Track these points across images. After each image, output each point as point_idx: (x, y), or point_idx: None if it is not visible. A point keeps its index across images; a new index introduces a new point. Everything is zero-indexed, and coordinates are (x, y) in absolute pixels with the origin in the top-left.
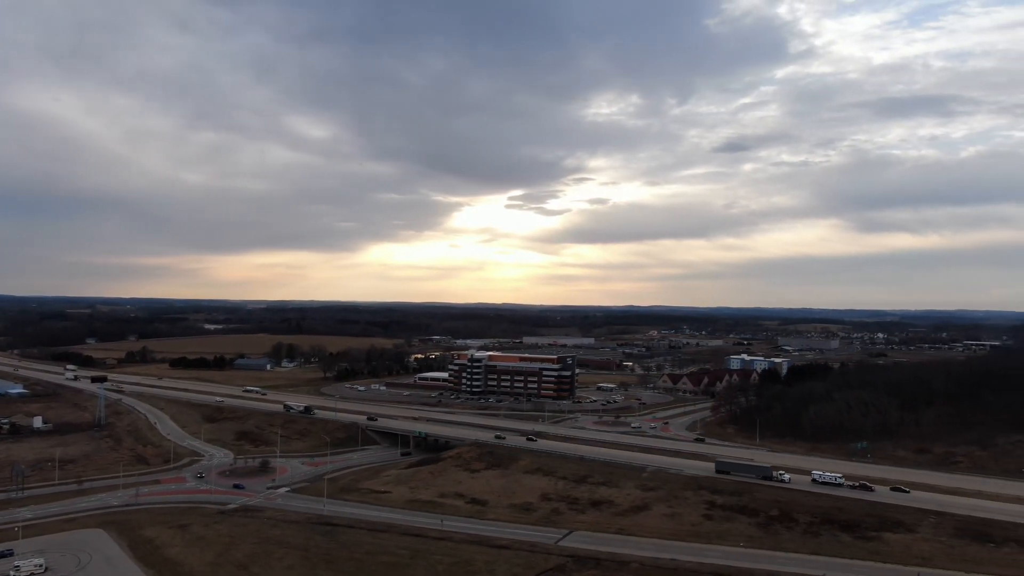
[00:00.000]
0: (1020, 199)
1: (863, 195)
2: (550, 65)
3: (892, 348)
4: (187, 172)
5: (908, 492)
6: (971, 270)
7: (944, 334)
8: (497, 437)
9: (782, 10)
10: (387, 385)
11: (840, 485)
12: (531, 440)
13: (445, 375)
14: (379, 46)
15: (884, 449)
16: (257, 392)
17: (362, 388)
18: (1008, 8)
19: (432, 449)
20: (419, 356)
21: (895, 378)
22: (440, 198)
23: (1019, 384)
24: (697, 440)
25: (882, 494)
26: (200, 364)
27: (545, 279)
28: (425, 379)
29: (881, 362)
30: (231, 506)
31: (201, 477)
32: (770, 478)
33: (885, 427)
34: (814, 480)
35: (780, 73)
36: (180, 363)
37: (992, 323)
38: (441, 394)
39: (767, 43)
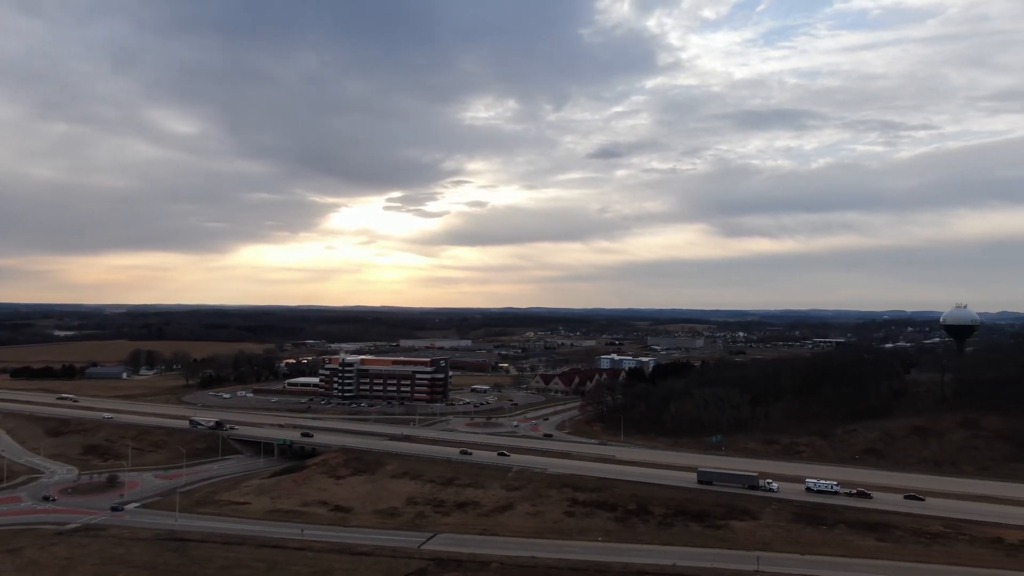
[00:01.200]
0: (863, 207)
1: (726, 202)
2: (427, 67)
3: (751, 346)
4: (35, 166)
5: (870, 496)
6: (822, 272)
7: (797, 332)
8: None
9: (651, 23)
10: (255, 392)
11: (836, 493)
12: (405, 439)
13: (316, 380)
14: (249, 40)
15: (738, 442)
16: (71, 400)
17: (227, 395)
18: (851, 33)
19: (298, 456)
20: (291, 361)
21: (748, 375)
22: (316, 198)
23: (854, 378)
24: (567, 440)
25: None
26: (46, 374)
27: (424, 281)
28: (295, 385)
29: (740, 359)
30: (71, 526)
31: (46, 498)
32: (756, 487)
33: (739, 421)
34: (808, 489)
35: (650, 84)
36: (23, 373)
37: (840, 321)
38: (311, 400)
39: (637, 55)
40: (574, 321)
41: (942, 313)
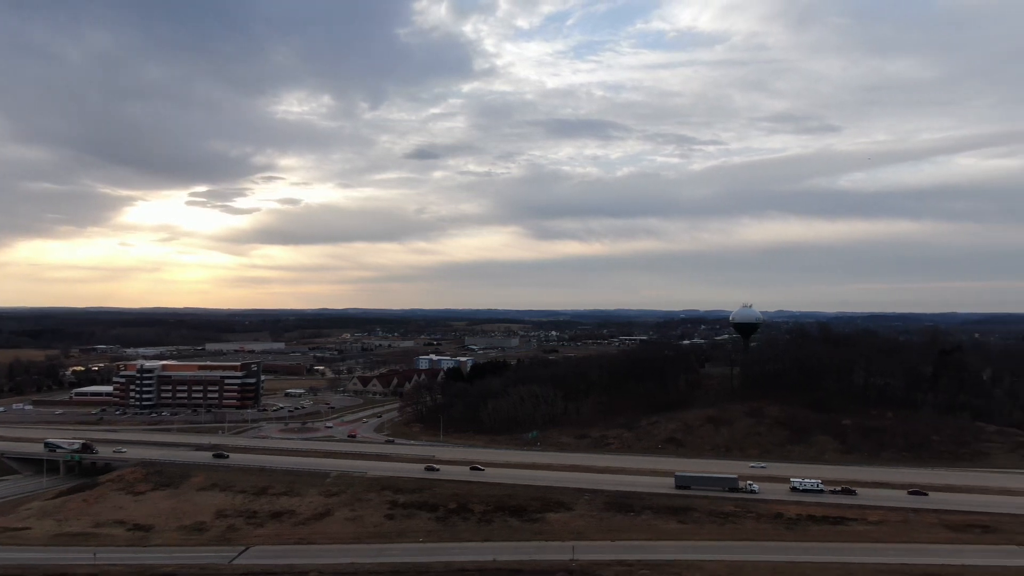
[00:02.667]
0: (662, 214)
1: (539, 206)
2: (235, 55)
3: (563, 344)
4: None
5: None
6: (627, 274)
7: (605, 331)
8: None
9: (467, 29)
10: (35, 403)
11: (821, 491)
12: (219, 457)
13: (110, 389)
14: (29, 11)
15: (552, 436)
16: None
17: (1, 408)
18: (650, 52)
19: (89, 473)
20: (78, 369)
21: (560, 372)
22: (108, 191)
23: (656, 373)
24: (388, 442)
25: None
26: None
27: (232, 281)
28: (84, 394)
29: (553, 357)
30: None
31: None
32: (737, 489)
33: (552, 417)
34: (794, 488)
35: (466, 88)
36: None
37: (643, 320)
38: (104, 410)
39: (454, 58)
40: (391, 322)
41: (731, 312)
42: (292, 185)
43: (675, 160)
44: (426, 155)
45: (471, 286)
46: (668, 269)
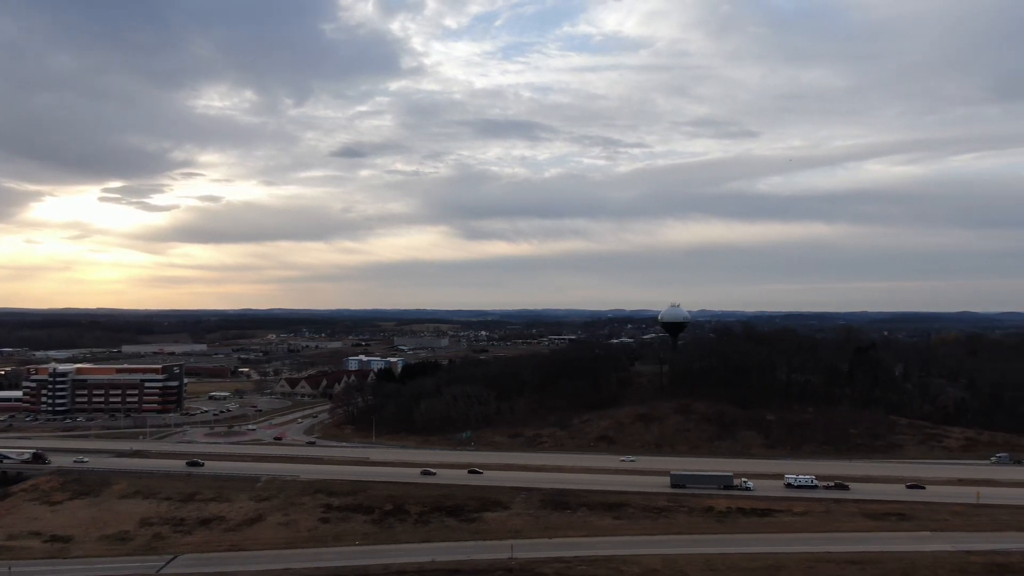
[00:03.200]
0: (588, 215)
1: (467, 206)
2: (154, 47)
3: (493, 344)
4: None
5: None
6: (554, 274)
7: (535, 330)
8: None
9: (395, 27)
10: None
11: (815, 487)
12: (135, 455)
13: (19, 394)
14: None
15: (485, 436)
16: None
17: None
18: (577, 55)
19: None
20: None
21: (493, 372)
22: (12, 185)
23: (588, 372)
24: (309, 444)
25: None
26: None
27: (150, 281)
28: None
29: (483, 357)
30: None
31: None
32: (732, 487)
33: (486, 416)
34: (788, 485)
35: (394, 86)
36: None
37: (571, 320)
38: (13, 416)
39: (381, 56)
40: (318, 322)
41: (658, 311)
42: (213, 182)
43: (602, 162)
44: (353, 153)
45: (399, 286)
46: (595, 269)
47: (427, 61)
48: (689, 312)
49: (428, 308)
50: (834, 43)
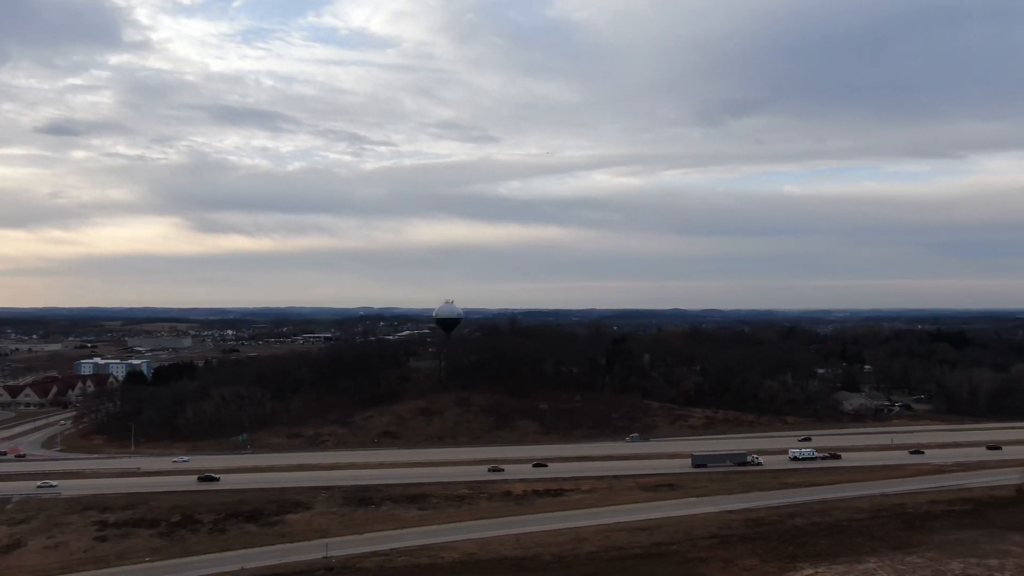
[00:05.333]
0: (334, 211)
1: (202, 196)
2: None
3: (243, 343)
4: None
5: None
6: (299, 271)
7: (285, 328)
8: None
9: None
10: None
11: (815, 458)
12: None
13: None
14: None
15: (262, 438)
16: None
17: None
18: (323, 47)
19: None
20: None
21: (265, 371)
22: None
23: (366, 368)
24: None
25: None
26: None
27: None
28: None
29: (235, 357)
30: None
31: None
32: (744, 463)
33: (262, 417)
34: (794, 458)
35: (114, 60)
36: None
37: (319, 318)
38: None
39: (97, 25)
40: (25, 322)
41: (407, 309)
42: None
43: (348, 158)
44: (63, 131)
45: (122, 282)
46: (341, 267)
47: (154, 36)
48: (432, 309)
49: (160, 306)
50: (566, 60)
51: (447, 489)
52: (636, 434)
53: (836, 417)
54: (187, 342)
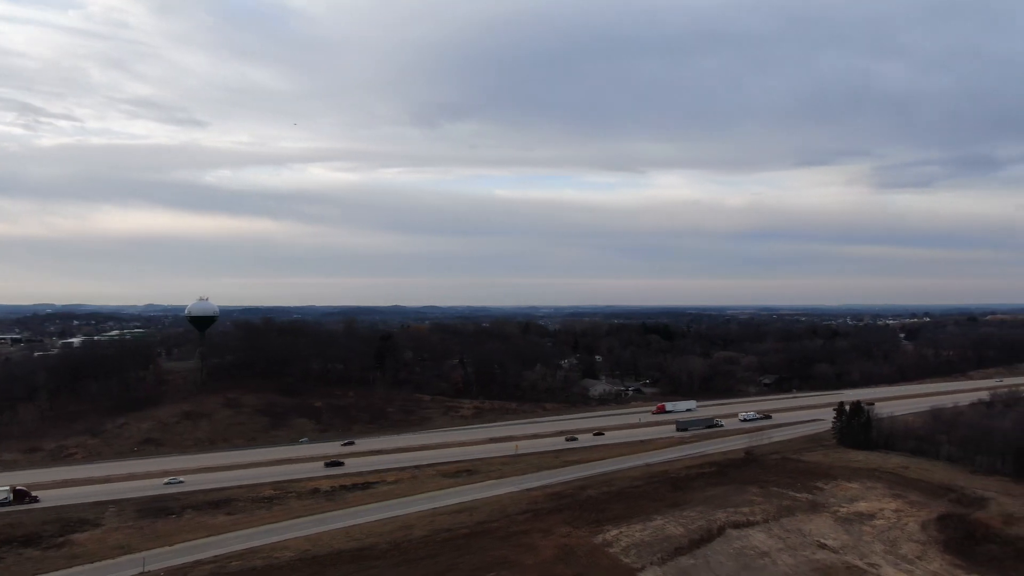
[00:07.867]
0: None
1: None
2: None
3: None
4: None
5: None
6: None
7: None
8: None
9: None
10: None
11: (757, 418)
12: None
13: None
14: None
15: None
16: None
17: None
18: None
19: None
20: None
21: None
22: None
23: (114, 371)
24: None
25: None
26: None
27: None
28: None
29: None
30: None
31: None
32: (712, 425)
33: None
34: (744, 420)
35: None
36: None
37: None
38: None
39: None
40: None
41: (102, 306)
42: None
43: (18, 131)
44: None
45: None
46: (14, 258)
47: None
48: (132, 307)
49: None
50: (278, 47)
51: (251, 491)
52: (306, 438)
53: (585, 402)
54: None
